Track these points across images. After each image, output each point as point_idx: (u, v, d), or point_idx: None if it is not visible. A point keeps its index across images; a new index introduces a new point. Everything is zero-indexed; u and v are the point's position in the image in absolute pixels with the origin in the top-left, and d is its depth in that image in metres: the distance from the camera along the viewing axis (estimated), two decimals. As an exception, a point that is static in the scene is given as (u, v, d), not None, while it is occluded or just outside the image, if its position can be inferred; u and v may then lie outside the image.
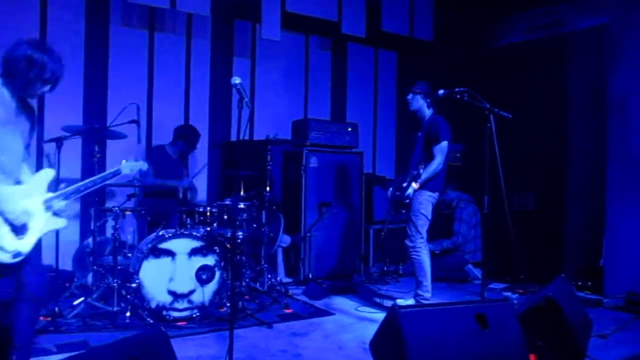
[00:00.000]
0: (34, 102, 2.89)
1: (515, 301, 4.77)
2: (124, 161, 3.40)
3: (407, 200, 4.37)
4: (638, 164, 4.94)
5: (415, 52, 7.28)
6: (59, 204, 2.88)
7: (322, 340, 3.81)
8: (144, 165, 3.57)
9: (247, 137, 6.26)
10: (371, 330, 3.25)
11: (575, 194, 5.82)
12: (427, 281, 4.37)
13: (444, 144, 4.39)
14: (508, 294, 5.25)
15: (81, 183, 3.08)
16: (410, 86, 4.68)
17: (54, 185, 2.95)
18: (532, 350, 3.27)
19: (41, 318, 3.92)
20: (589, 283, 5.36)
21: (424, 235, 4.42)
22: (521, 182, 6.04)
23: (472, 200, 6.16)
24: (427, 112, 4.60)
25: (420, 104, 4.59)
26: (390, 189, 4.73)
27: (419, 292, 4.38)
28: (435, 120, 4.51)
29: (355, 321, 4.29)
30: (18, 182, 2.79)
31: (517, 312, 3.42)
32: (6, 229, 2.63)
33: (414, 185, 4.35)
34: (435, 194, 4.44)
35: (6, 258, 2.62)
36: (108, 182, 3.36)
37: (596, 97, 5.51)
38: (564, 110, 5.89)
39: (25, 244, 2.70)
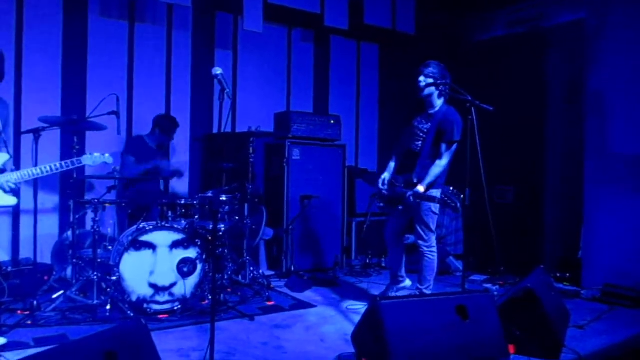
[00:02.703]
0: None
1: (495, 293, 4.82)
2: (88, 154, 3.55)
3: (413, 200, 3.98)
4: (614, 158, 5.02)
5: (398, 45, 7.29)
6: (9, 184, 3.14)
7: (304, 333, 3.81)
8: (109, 159, 3.64)
9: (229, 130, 6.24)
10: (353, 322, 3.28)
11: (554, 187, 5.89)
12: (433, 279, 4.28)
13: (455, 145, 4.07)
14: (488, 285, 5.31)
15: (36, 168, 3.27)
16: (422, 67, 4.11)
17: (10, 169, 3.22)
18: (511, 340, 3.31)
19: (19, 312, 3.89)
20: (568, 275, 5.44)
21: (435, 232, 4.24)
22: (501, 175, 6.11)
23: (454, 193, 6.19)
24: (438, 102, 4.17)
25: (430, 91, 4.12)
26: (381, 180, 4.32)
27: (422, 288, 4.24)
28: (450, 114, 4.09)
29: (337, 313, 4.30)
30: None
31: (497, 304, 3.48)
32: None
33: (420, 188, 3.98)
34: (440, 189, 4.18)
35: None
36: (66, 170, 3.52)
37: (575, 91, 5.58)
38: (543, 105, 5.95)
39: None
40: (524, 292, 3.41)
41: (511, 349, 3.30)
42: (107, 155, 3.63)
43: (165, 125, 5.28)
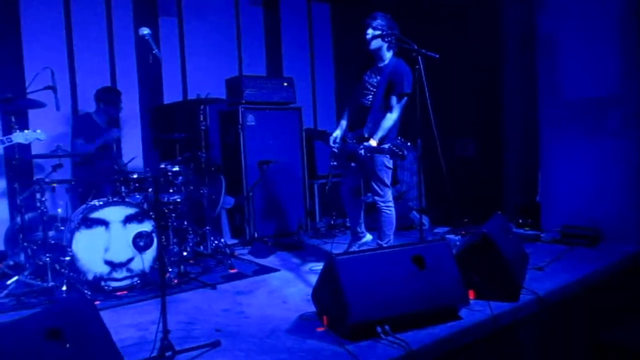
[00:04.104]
0: None
1: (457, 242, 4.86)
2: (18, 131, 3.44)
3: (364, 154, 3.90)
4: (567, 103, 5.06)
5: (350, 2, 7.14)
6: None
7: (267, 297, 3.79)
8: (41, 135, 3.50)
9: (180, 99, 6.07)
10: (315, 282, 3.26)
11: (512, 136, 5.92)
12: (392, 234, 4.26)
13: (405, 97, 4.00)
14: (451, 236, 5.35)
15: None
16: (368, 19, 4.01)
17: None
18: (470, 286, 3.34)
19: (-31, 301, 3.76)
20: (529, 220, 5.53)
21: (391, 187, 4.21)
22: (462, 128, 6.12)
23: (412, 147, 6.18)
24: (387, 55, 4.09)
25: (379, 44, 4.03)
26: (332, 138, 4.26)
27: (382, 243, 4.21)
28: (399, 66, 4.02)
29: (300, 275, 4.28)
30: None
31: (457, 252, 3.50)
32: None
33: (372, 142, 3.91)
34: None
35: None
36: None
37: (528, 37, 5.55)
38: (497, 53, 5.92)
39: None
40: (479, 238, 3.43)
41: (471, 294, 3.34)
42: (38, 131, 3.50)
43: (107, 97, 5.05)
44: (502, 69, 5.92)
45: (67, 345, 2.10)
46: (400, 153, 3.65)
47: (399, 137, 3.88)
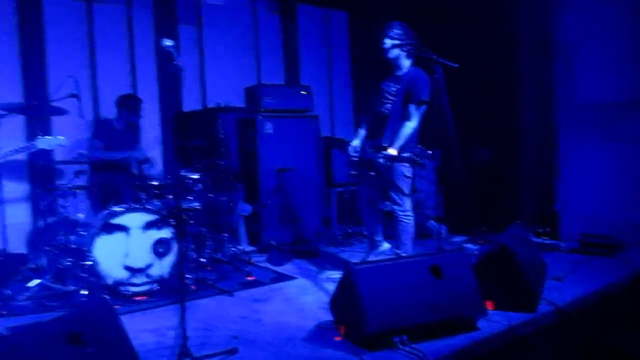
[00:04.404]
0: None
1: (476, 252, 4.83)
2: (41, 137, 3.50)
3: (384, 162, 3.90)
4: (585, 108, 5.02)
5: (367, 11, 7.17)
6: None
7: (283, 304, 3.80)
8: (63, 141, 3.58)
9: (199, 107, 6.14)
10: (332, 291, 3.26)
11: (529, 142, 5.87)
12: (410, 243, 4.24)
13: (425, 105, 4.02)
14: (469, 245, 5.33)
15: None
16: (386, 29, 4.04)
17: None
18: (488, 297, 3.32)
19: (-8, 303, 3.84)
20: (547, 229, 5.48)
21: (410, 196, 4.20)
22: (477, 134, 6.08)
23: (431, 155, 6.16)
24: (406, 63, 4.11)
25: (397, 53, 4.07)
26: (351, 147, 4.28)
27: (399, 252, 4.20)
28: (418, 74, 4.03)
29: (317, 284, 4.29)
30: None
31: (474, 261, 3.48)
32: None
33: (391, 151, 3.89)
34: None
35: None
36: (22, 153, 3.57)
37: (545, 42, 5.51)
38: (513, 58, 5.87)
39: None
40: (498, 248, 3.42)
41: (489, 305, 3.32)
42: (61, 137, 3.58)
43: (127, 103, 5.12)
44: (518, 75, 5.88)
45: (88, 349, 2.13)
46: (421, 161, 3.65)
47: (418, 145, 3.87)
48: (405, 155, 3.83)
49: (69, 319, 2.19)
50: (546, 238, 5.33)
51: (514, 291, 3.36)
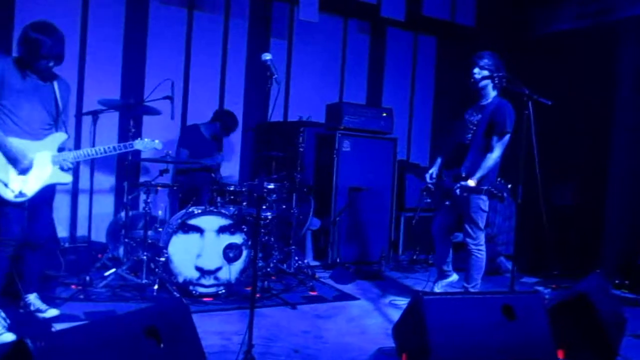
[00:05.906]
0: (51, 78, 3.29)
1: (547, 296, 4.64)
2: (139, 139, 3.71)
3: (460, 193, 3.81)
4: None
5: (456, 38, 7.11)
6: (66, 162, 3.28)
7: (345, 324, 3.79)
8: (158, 145, 3.80)
9: (281, 119, 6.28)
10: (395, 316, 3.23)
11: (618, 189, 5.59)
12: (480, 278, 4.14)
13: (508, 137, 3.90)
14: (540, 288, 5.12)
15: (91, 149, 3.44)
16: (475, 57, 3.99)
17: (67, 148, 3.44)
18: (560, 345, 3.17)
19: (73, 286, 4.06)
20: (627, 282, 5.17)
21: (484, 230, 4.10)
22: (561, 173, 5.85)
23: (501, 183, 5.98)
24: (492, 94, 4.03)
25: (485, 82, 3.99)
26: (429, 174, 4.23)
27: (468, 286, 4.10)
28: (502, 105, 3.94)
29: (380, 307, 4.25)
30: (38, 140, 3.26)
31: (548, 306, 3.33)
32: (14, 172, 3.11)
33: (470, 182, 3.81)
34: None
35: (11, 196, 3.10)
36: (120, 152, 3.63)
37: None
38: (608, 101, 5.64)
39: (29, 188, 3.17)
40: (577, 296, 3.25)
41: (560, 354, 3.16)
42: (157, 141, 3.77)
43: (228, 122, 5.42)
44: (613, 111, 5.61)
45: (162, 345, 2.21)
46: (500, 195, 3.54)
47: (499, 179, 3.77)
48: (484, 187, 3.75)
49: (147, 313, 2.28)
50: (627, 291, 5.03)
51: (590, 343, 3.19)
